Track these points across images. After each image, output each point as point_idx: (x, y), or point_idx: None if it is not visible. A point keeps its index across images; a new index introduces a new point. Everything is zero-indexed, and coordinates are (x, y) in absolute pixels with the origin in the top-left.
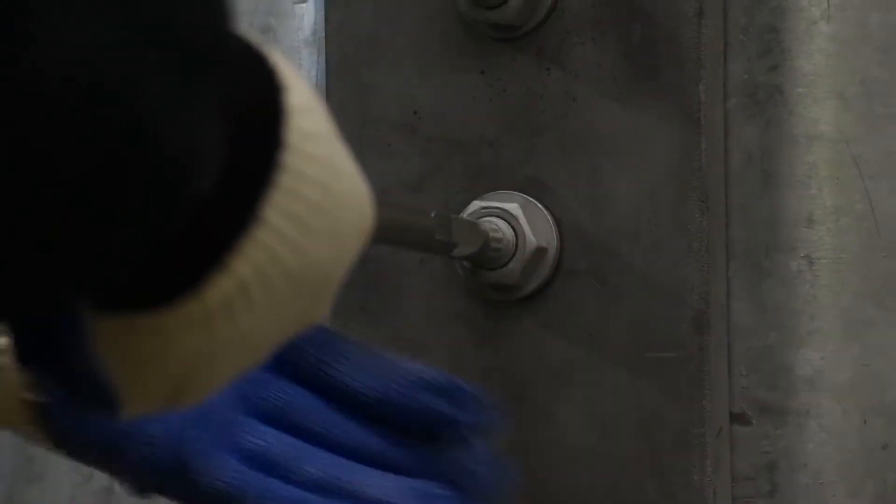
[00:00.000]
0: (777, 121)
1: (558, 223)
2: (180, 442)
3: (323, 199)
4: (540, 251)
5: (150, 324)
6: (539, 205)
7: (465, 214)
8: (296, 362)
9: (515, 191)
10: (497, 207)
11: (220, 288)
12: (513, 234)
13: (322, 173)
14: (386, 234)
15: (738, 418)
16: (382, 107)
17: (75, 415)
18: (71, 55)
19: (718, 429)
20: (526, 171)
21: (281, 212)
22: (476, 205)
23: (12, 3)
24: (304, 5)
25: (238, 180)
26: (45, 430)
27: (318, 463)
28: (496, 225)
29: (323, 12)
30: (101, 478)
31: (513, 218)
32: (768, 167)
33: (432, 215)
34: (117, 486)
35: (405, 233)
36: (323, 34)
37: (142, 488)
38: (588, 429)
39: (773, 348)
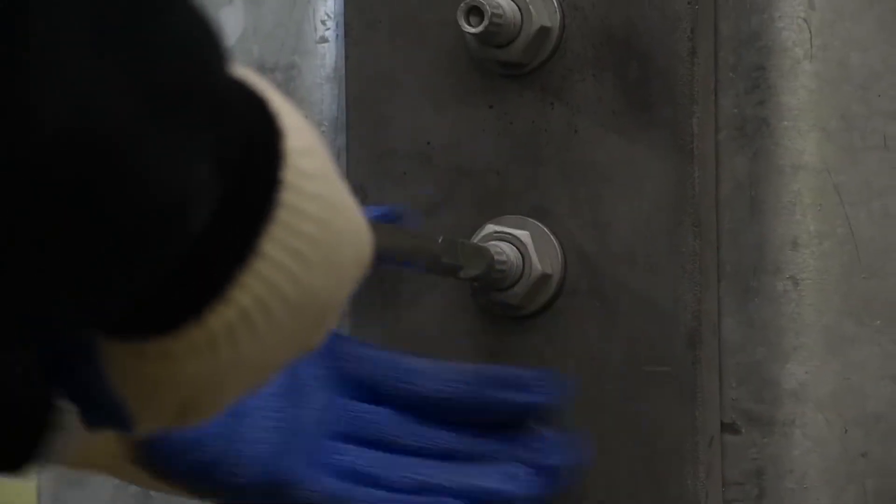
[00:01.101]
0: (764, 152)
1: (562, 247)
2: (274, 462)
3: (320, 234)
4: (544, 277)
5: (158, 349)
6: (549, 233)
7: (478, 236)
8: (366, 383)
9: (522, 216)
10: (508, 233)
11: (222, 316)
12: (519, 258)
13: (319, 210)
14: (396, 256)
15: (728, 428)
16: (398, 138)
17: (162, 448)
18: (67, 101)
19: (710, 438)
20: (531, 198)
21: (279, 245)
22: (490, 228)
23: (13, 47)
24: (325, 45)
25: (238, 216)
26: (143, 465)
27: (407, 467)
28: (501, 248)
29: (343, 51)
30: None
31: (521, 244)
32: (756, 195)
33: (440, 240)
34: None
35: (414, 256)
36: (343, 71)
37: None
38: (587, 438)
39: (760, 363)
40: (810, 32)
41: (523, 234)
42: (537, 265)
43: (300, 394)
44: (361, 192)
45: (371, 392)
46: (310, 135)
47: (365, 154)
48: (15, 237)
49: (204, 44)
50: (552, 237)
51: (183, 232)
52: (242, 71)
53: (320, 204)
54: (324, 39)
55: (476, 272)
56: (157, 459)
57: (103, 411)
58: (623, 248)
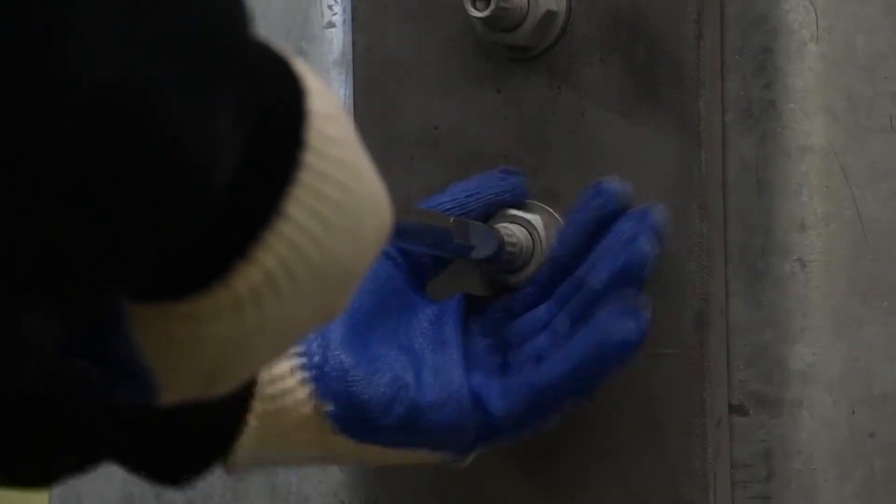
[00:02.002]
0: (771, 134)
1: None
2: (468, 391)
3: (344, 199)
4: None
5: (184, 311)
6: (560, 219)
7: (493, 218)
8: (494, 315)
9: (533, 200)
10: (520, 216)
11: (247, 278)
12: (530, 241)
13: (343, 174)
14: (409, 233)
15: (736, 409)
16: (406, 123)
17: (362, 412)
18: (103, 59)
19: (718, 419)
20: (539, 181)
21: (303, 207)
22: (503, 210)
23: (54, 12)
24: (333, 30)
25: (262, 177)
26: (349, 433)
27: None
28: (511, 231)
29: (351, 36)
30: None
31: (533, 228)
32: (763, 176)
33: (451, 220)
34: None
35: (427, 233)
36: (351, 57)
37: (461, 450)
38: (597, 419)
39: (768, 344)
40: (816, 14)
41: (535, 219)
42: (547, 251)
43: (461, 341)
44: None
45: (494, 322)
46: (333, 100)
47: (373, 139)
48: (54, 190)
49: (231, 5)
50: (563, 223)
51: (208, 189)
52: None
53: (344, 169)
54: (331, 25)
55: (487, 253)
56: (361, 423)
57: (131, 381)
58: None
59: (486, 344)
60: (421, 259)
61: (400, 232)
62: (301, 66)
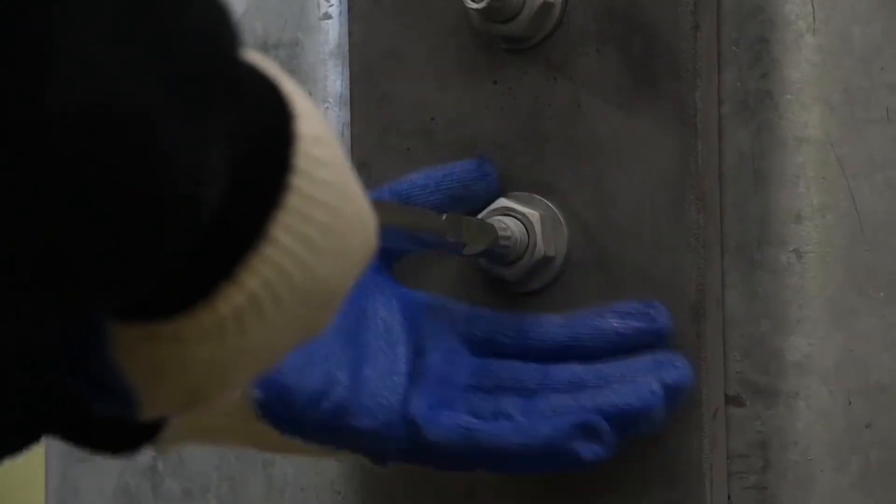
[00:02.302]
0: (768, 125)
1: (569, 227)
2: (403, 405)
3: (330, 221)
4: (546, 260)
5: (167, 332)
6: (559, 213)
7: (489, 209)
8: (484, 339)
9: (532, 193)
10: (517, 210)
11: (231, 300)
12: (525, 235)
13: (329, 197)
14: (399, 238)
15: (732, 400)
16: (402, 114)
17: (292, 402)
18: (82, 80)
19: (714, 410)
20: (535, 173)
21: (289, 231)
22: (501, 202)
23: (38, 28)
24: (329, 21)
25: (249, 201)
26: (273, 422)
27: (541, 401)
28: (506, 224)
29: (346, 27)
30: (146, 457)
31: (529, 223)
32: (759, 168)
33: (443, 217)
34: (161, 465)
35: (418, 233)
36: (346, 47)
37: (381, 458)
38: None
39: (764, 335)
40: (813, 6)
41: (532, 215)
42: (541, 247)
43: (421, 347)
44: (365, 168)
45: (490, 346)
46: (321, 121)
47: (368, 130)
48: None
49: (220, 28)
50: (561, 218)
51: (196, 213)
52: (252, 55)
53: (331, 191)
54: (327, 16)
55: (480, 248)
56: (285, 414)
57: (112, 398)
58: (627, 222)
59: (472, 364)
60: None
61: (389, 235)
62: (290, 87)
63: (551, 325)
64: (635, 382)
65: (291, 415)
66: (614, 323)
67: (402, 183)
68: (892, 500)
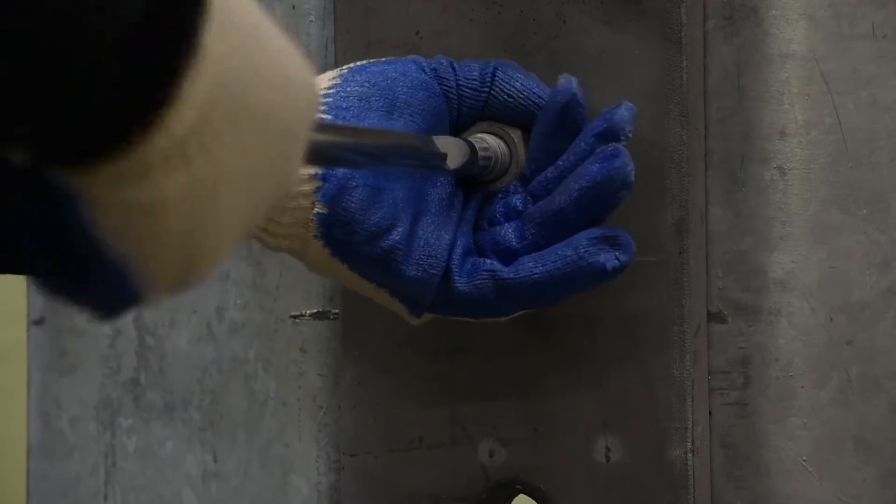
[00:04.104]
0: (752, 41)
1: None
2: (439, 258)
3: (257, 42)
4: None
5: (133, 169)
6: None
7: (471, 127)
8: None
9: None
10: (498, 127)
11: (180, 116)
12: (506, 152)
13: (254, 18)
14: (381, 157)
15: (714, 317)
16: (387, 28)
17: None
18: None
19: (697, 326)
20: None
21: (221, 41)
22: (481, 125)
23: None
24: None
25: (171, 16)
26: (327, 242)
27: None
28: (485, 141)
29: None
30: (128, 369)
31: (511, 140)
32: (744, 84)
33: (415, 136)
34: (143, 378)
35: (396, 151)
36: None
37: (417, 307)
38: (575, 328)
39: (747, 252)
40: None
41: (514, 131)
42: (524, 163)
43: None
44: None
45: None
46: None
47: (353, 44)
48: None
49: None
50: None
51: (105, 32)
52: None
53: (253, 16)
54: None
55: (461, 161)
56: (341, 238)
57: (110, 280)
58: None
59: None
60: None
61: (370, 152)
62: None
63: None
64: (590, 165)
65: (349, 241)
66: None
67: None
68: (872, 416)
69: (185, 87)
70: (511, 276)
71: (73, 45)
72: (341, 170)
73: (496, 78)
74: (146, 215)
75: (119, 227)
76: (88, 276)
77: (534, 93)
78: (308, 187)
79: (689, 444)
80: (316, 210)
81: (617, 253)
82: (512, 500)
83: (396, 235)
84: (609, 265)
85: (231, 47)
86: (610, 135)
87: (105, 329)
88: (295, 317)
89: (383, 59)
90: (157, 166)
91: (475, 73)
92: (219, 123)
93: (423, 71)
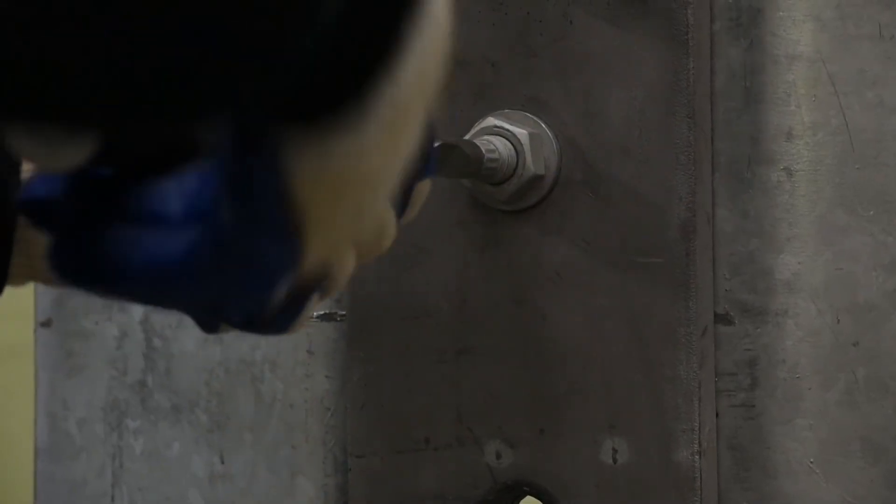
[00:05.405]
0: (759, 42)
1: (559, 145)
2: None
3: (445, 23)
4: (537, 178)
5: (341, 137)
6: (549, 132)
7: (477, 128)
8: None
9: (516, 109)
10: (506, 129)
11: (387, 91)
12: (513, 155)
13: None
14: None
15: (721, 318)
16: None
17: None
18: None
19: (703, 328)
20: (525, 89)
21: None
22: (490, 121)
23: None
24: None
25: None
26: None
27: None
28: (493, 145)
29: None
30: (135, 371)
31: (518, 143)
32: (751, 85)
33: (436, 146)
34: (150, 380)
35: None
36: None
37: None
38: (582, 329)
39: (754, 253)
40: None
41: (521, 134)
42: (531, 166)
43: None
44: None
45: None
46: None
47: None
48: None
49: None
50: (552, 136)
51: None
52: None
53: None
54: None
55: (469, 169)
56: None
57: (272, 233)
58: (617, 138)
59: None
60: None
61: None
62: None
63: None
64: None
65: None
66: None
67: None
68: (879, 417)
69: (393, 72)
70: None
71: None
72: None
73: None
74: (336, 179)
75: (308, 195)
76: (262, 237)
77: None
78: None
79: (696, 446)
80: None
81: None
82: (519, 502)
83: None
84: None
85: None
86: None
87: (112, 330)
88: None
89: None
90: (367, 134)
91: None
92: (400, 105)
93: None
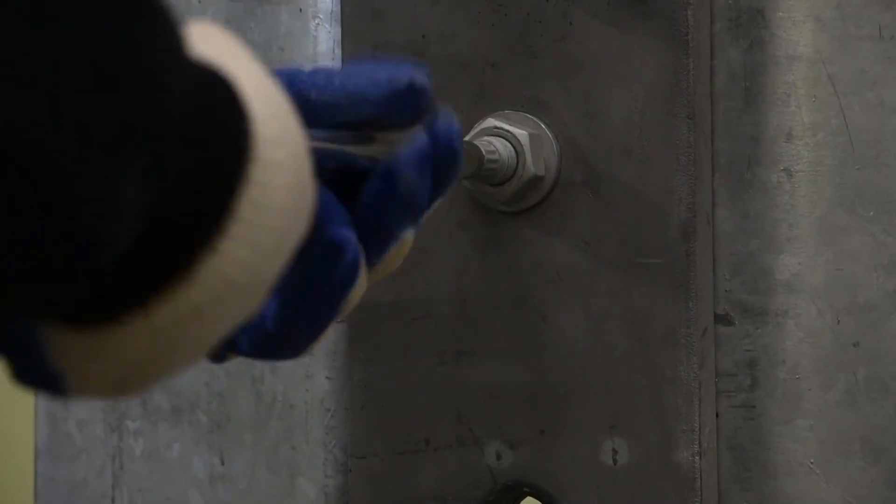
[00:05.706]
0: (759, 43)
1: (559, 146)
2: None
3: (284, 226)
4: (536, 179)
5: (100, 338)
6: (549, 132)
7: (477, 129)
8: None
9: (517, 110)
10: (506, 130)
11: (169, 308)
12: (513, 156)
13: (278, 218)
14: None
15: (721, 319)
16: (393, 31)
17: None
18: None
19: (704, 329)
20: (525, 90)
21: (238, 242)
22: (490, 122)
23: None
24: None
25: (182, 230)
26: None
27: None
28: (494, 147)
29: None
30: None
31: (518, 144)
32: (750, 86)
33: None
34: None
35: (333, 160)
36: None
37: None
38: (582, 329)
39: (754, 254)
40: None
41: (521, 135)
42: (531, 167)
43: None
44: None
45: None
46: (275, 105)
47: (359, 47)
48: None
49: (158, 25)
50: (552, 137)
51: (97, 256)
52: (200, 31)
53: (279, 213)
54: None
55: (468, 171)
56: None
57: (39, 378)
58: (617, 139)
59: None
60: None
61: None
62: (240, 68)
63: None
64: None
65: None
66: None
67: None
68: (879, 417)
69: (194, 275)
70: None
71: (49, 265)
72: None
73: None
74: (94, 362)
75: (63, 358)
76: (25, 368)
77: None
78: None
79: (696, 447)
80: None
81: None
82: (519, 503)
83: None
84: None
85: (247, 247)
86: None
87: None
88: None
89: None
90: (128, 338)
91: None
92: (206, 309)
93: None
